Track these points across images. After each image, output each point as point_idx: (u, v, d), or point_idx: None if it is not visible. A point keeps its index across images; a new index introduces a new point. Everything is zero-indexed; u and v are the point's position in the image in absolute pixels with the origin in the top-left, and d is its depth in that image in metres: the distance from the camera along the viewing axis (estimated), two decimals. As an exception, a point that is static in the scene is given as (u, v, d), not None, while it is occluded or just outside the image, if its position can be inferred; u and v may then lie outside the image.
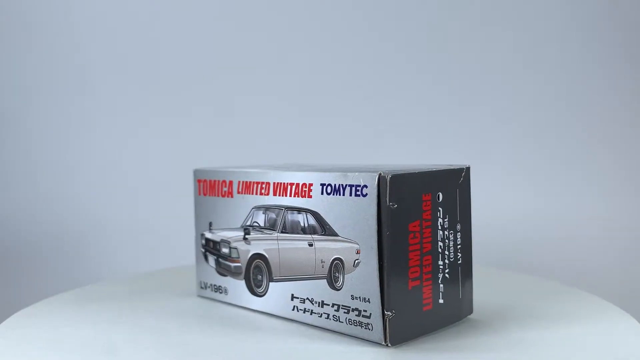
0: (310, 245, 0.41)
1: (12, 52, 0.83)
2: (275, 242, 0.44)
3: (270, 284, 0.44)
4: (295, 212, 0.42)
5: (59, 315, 0.47)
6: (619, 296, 0.61)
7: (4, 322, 0.45)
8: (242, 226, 0.46)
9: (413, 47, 0.78)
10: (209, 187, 0.49)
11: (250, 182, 0.46)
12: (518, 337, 0.39)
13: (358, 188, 0.38)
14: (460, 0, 0.76)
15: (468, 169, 0.42)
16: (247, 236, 0.45)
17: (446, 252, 0.41)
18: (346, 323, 0.39)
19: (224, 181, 0.48)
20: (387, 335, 0.37)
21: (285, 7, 0.80)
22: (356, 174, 0.38)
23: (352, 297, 0.39)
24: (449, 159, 0.71)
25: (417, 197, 0.39)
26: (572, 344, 0.37)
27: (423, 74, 0.77)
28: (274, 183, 0.44)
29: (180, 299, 0.51)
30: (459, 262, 0.42)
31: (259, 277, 0.45)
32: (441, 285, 0.40)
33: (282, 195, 0.43)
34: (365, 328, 0.38)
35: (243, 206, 0.46)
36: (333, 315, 0.40)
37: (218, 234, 0.48)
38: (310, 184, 0.41)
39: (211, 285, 0.50)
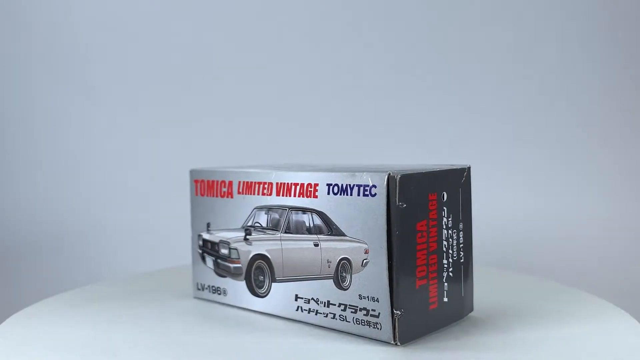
0: (316, 245, 0.41)
1: (12, 53, 0.83)
2: (279, 242, 0.43)
3: (273, 284, 0.44)
4: (300, 212, 0.42)
5: (59, 315, 0.47)
6: (619, 296, 0.61)
7: (4, 322, 0.45)
8: (242, 227, 0.46)
9: (413, 47, 0.78)
10: (207, 187, 0.49)
11: (251, 182, 0.45)
12: (519, 337, 0.40)
13: (366, 188, 0.38)
14: (460, 0, 0.76)
15: (469, 168, 0.43)
16: (248, 237, 0.45)
17: (450, 251, 0.41)
18: (353, 323, 0.40)
19: (223, 181, 0.48)
20: (397, 334, 0.38)
21: (285, 8, 0.80)
22: (364, 174, 0.38)
23: (360, 297, 0.39)
24: (449, 159, 0.71)
25: (424, 196, 0.39)
26: (572, 344, 0.38)
27: (423, 74, 0.78)
28: (277, 183, 0.43)
29: (181, 299, 0.51)
30: (462, 260, 0.42)
31: (261, 277, 0.45)
32: (445, 284, 0.41)
33: (286, 196, 0.43)
34: (374, 327, 0.38)
35: (244, 206, 0.46)
36: (339, 315, 0.40)
37: (217, 234, 0.48)
38: (316, 184, 0.41)
39: (209, 286, 0.49)
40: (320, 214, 0.41)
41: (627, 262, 0.73)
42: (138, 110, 0.83)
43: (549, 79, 0.75)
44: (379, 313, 0.38)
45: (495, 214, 0.73)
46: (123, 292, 0.54)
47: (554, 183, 0.74)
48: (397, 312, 0.37)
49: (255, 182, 0.45)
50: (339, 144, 0.80)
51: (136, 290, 0.54)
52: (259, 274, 0.45)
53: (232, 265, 0.47)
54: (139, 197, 0.83)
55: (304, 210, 0.42)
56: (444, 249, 0.41)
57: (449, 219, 0.41)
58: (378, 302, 0.38)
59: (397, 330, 0.38)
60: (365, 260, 0.38)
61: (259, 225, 0.45)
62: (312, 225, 0.41)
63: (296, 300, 0.43)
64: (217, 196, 0.48)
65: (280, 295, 0.44)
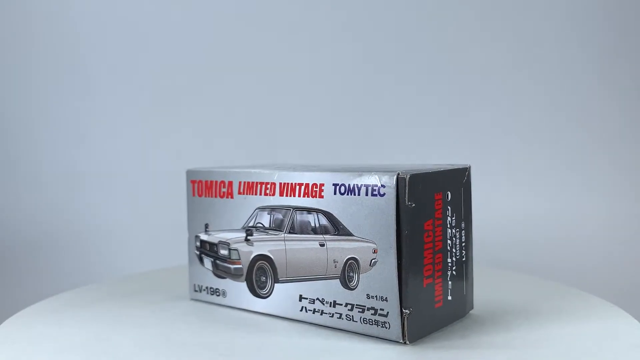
0: (322, 245, 0.41)
1: (12, 53, 0.83)
2: (282, 242, 0.43)
3: (276, 285, 0.44)
4: (305, 212, 0.42)
5: (59, 315, 0.47)
6: (618, 296, 0.62)
7: (4, 322, 0.45)
8: (244, 227, 0.46)
9: (413, 46, 0.78)
10: (205, 187, 0.48)
11: (253, 182, 0.45)
12: (522, 336, 0.40)
13: (375, 188, 0.38)
14: (460, 0, 0.77)
15: (470, 168, 0.43)
16: (249, 237, 0.45)
17: (453, 250, 0.42)
18: (360, 322, 0.40)
19: (222, 182, 0.47)
20: (406, 332, 0.38)
21: (285, 7, 0.80)
22: (373, 174, 0.38)
23: (368, 296, 0.39)
24: (449, 159, 0.71)
25: (431, 196, 0.39)
26: (573, 344, 0.38)
27: (422, 74, 0.78)
28: (280, 183, 0.43)
29: (182, 298, 0.51)
30: (464, 259, 0.43)
31: (263, 278, 0.45)
32: (449, 283, 0.41)
33: (290, 196, 0.43)
34: (382, 326, 0.39)
35: (245, 207, 0.46)
36: (346, 315, 0.40)
37: (215, 235, 0.47)
38: (322, 184, 0.41)
39: (207, 288, 0.49)
40: (327, 214, 0.41)
41: (627, 262, 0.74)
42: (138, 110, 0.83)
43: (549, 79, 0.75)
44: (388, 312, 0.38)
45: (495, 214, 0.74)
46: (123, 292, 0.53)
47: (553, 183, 0.75)
48: (406, 311, 0.38)
49: (257, 182, 0.45)
50: (339, 144, 0.80)
51: (136, 290, 0.54)
52: (260, 275, 0.45)
53: (232, 266, 0.46)
54: (140, 198, 0.83)
55: (310, 210, 0.42)
56: (448, 247, 0.41)
57: (453, 218, 0.41)
58: (387, 301, 0.38)
59: (406, 329, 0.38)
60: (373, 260, 0.39)
61: (261, 225, 0.45)
62: (317, 225, 0.41)
63: (300, 300, 0.43)
64: (216, 196, 0.48)
65: (283, 295, 0.44)
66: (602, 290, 0.59)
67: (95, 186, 0.83)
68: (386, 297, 0.38)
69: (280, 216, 0.43)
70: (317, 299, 0.42)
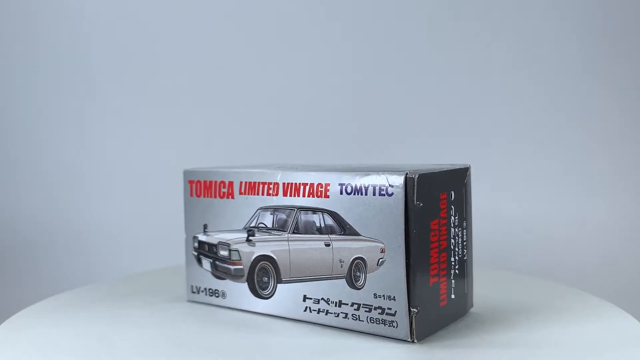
0: (327, 245, 0.41)
1: (12, 53, 0.82)
2: (286, 243, 0.43)
3: (279, 285, 0.44)
4: (310, 212, 0.42)
5: (59, 315, 0.46)
6: (618, 296, 0.62)
7: (4, 323, 0.45)
8: (245, 227, 0.45)
9: (412, 46, 0.78)
10: (203, 188, 0.48)
11: (255, 182, 0.45)
12: (522, 336, 0.40)
13: (383, 188, 0.38)
14: (460, 0, 0.77)
15: (470, 168, 0.44)
16: (251, 237, 0.45)
17: (456, 249, 0.42)
18: (367, 321, 0.40)
19: (222, 182, 0.47)
20: (414, 331, 0.38)
21: (285, 7, 0.79)
22: (381, 174, 0.39)
23: (375, 296, 0.39)
24: (448, 159, 0.72)
25: (437, 196, 0.40)
26: (573, 343, 0.39)
27: (422, 74, 0.78)
28: (284, 183, 0.43)
29: (182, 298, 0.50)
30: (465, 258, 0.43)
31: (265, 279, 0.44)
32: (453, 281, 0.42)
33: (294, 196, 0.43)
34: (389, 325, 0.39)
35: (246, 207, 0.45)
36: (352, 314, 0.40)
37: (215, 236, 0.47)
38: (327, 184, 0.41)
39: (205, 289, 0.48)
40: (333, 214, 0.41)
41: (627, 262, 0.74)
42: (138, 110, 0.83)
43: (549, 79, 0.76)
44: (396, 311, 0.38)
45: (495, 214, 0.74)
46: (123, 293, 0.53)
47: (553, 183, 0.75)
48: (414, 309, 0.38)
49: (259, 183, 0.44)
50: (338, 143, 0.80)
51: (137, 290, 0.53)
52: (262, 275, 0.45)
53: (232, 267, 0.46)
54: (140, 198, 0.82)
55: (315, 210, 0.42)
56: (452, 246, 0.42)
57: (456, 218, 0.42)
58: (395, 300, 0.38)
59: (414, 327, 0.38)
60: (381, 260, 0.39)
61: (264, 225, 0.44)
62: (323, 225, 0.41)
63: (304, 300, 0.43)
64: (215, 197, 0.47)
65: (286, 296, 0.43)
66: (602, 290, 0.59)
67: (95, 186, 0.83)
68: (394, 296, 0.38)
69: (283, 216, 0.43)
70: (322, 298, 0.42)
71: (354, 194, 0.40)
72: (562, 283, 0.55)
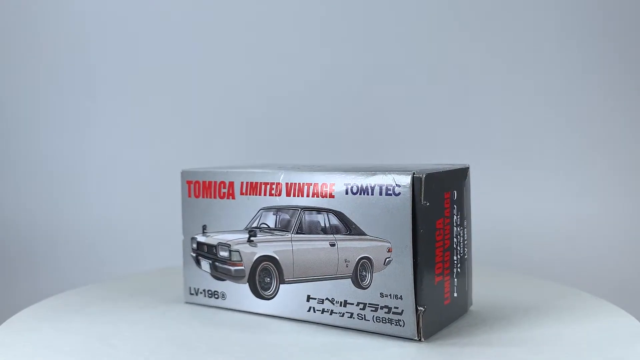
0: (332, 245, 0.41)
1: (12, 53, 0.82)
2: (289, 243, 0.43)
3: (281, 286, 0.44)
4: (314, 212, 0.42)
5: (59, 315, 0.46)
6: (618, 296, 0.62)
7: (4, 323, 0.44)
8: (246, 228, 0.45)
9: (412, 46, 0.78)
10: (202, 188, 0.48)
11: (257, 182, 0.45)
12: (524, 336, 0.41)
13: (390, 188, 0.39)
14: (460, 0, 0.77)
15: (469, 168, 0.45)
16: (252, 238, 0.44)
17: (458, 248, 0.43)
18: (373, 321, 0.40)
19: (222, 182, 0.46)
20: (421, 329, 0.38)
21: (286, 7, 0.79)
22: (387, 173, 0.39)
23: (382, 295, 0.39)
24: (448, 159, 0.71)
25: (441, 195, 0.40)
26: (573, 343, 0.39)
27: (422, 74, 0.78)
28: (287, 184, 0.43)
29: (182, 298, 0.50)
30: (465, 257, 0.44)
31: (267, 279, 0.44)
32: (455, 280, 0.42)
33: (298, 196, 0.42)
34: (396, 324, 0.39)
35: (247, 208, 0.45)
36: (358, 314, 0.41)
37: (214, 237, 0.47)
38: (332, 184, 0.41)
39: (204, 290, 0.48)
40: (338, 214, 0.41)
41: (627, 262, 0.75)
42: (137, 110, 0.82)
43: (549, 79, 0.76)
44: (402, 310, 0.39)
45: (495, 214, 0.74)
46: (123, 293, 0.52)
47: (553, 183, 0.76)
48: (421, 308, 0.38)
49: (261, 183, 0.44)
50: (337, 143, 0.80)
51: (135, 291, 0.53)
52: (264, 276, 0.44)
53: (232, 268, 0.46)
54: (140, 198, 0.82)
55: (319, 210, 0.42)
56: (454, 245, 0.42)
57: (458, 217, 0.42)
58: (401, 299, 0.39)
59: (421, 326, 0.38)
60: (387, 259, 0.39)
61: (266, 226, 0.44)
62: (327, 225, 0.41)
63: (308, 300, 0.43)
64: (214, 197, 0.47)
65: (289, 296, 0.43)
66: (602, 290, 0.60)
67: (95, 186, 0.82)
68: (401, 295, 0.39)
69: (287, 216, 0.43)
70: (327, 298, 0.42)
71: (360, 194, 0.40)
72: (562, 283, 0.55)
